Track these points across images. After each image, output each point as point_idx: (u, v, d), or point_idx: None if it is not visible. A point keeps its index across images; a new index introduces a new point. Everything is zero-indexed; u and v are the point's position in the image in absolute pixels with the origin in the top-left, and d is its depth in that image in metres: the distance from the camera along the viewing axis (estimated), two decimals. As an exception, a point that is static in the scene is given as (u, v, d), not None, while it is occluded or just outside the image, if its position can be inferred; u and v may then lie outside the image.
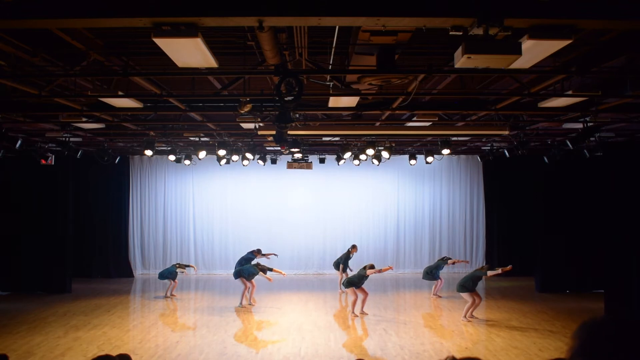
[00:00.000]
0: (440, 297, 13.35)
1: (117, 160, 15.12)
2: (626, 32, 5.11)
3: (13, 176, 13.94)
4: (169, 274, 13.33)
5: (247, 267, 12.42)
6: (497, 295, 13.84)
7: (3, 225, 13.83)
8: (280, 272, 12.65)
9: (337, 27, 4.96)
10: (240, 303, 12.26)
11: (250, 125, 9.64)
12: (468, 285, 10.91)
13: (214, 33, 5.13)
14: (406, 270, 17.15)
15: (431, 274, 13.37)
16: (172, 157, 13.38)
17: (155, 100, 8.02)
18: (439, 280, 13.42)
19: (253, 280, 12.36)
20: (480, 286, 15.46)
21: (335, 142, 13.46)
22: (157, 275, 13.87)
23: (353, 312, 11.36)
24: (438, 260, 13.90)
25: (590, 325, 1.49)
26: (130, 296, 14.24)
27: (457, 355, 2.19)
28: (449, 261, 13.86)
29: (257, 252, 13.85)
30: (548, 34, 3.91)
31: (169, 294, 13.42)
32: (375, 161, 14.18)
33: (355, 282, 11.34)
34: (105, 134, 12.00)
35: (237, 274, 12.35)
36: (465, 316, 10.94)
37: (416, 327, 10.47)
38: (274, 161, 15.80)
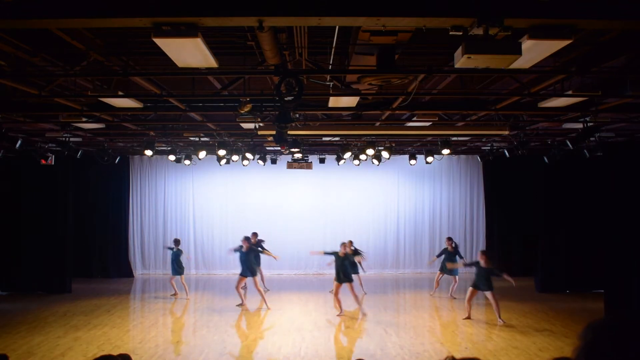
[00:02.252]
0: (454, 298, 13.30)
1: (117, 160, 15.11)
2: (626, 32, 5.11)
3: (13, 176, 13.94)
4: (177, 267, 13.14)
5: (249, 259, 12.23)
6: (497, 295, 13.81)
7: (3, 225, 13.83)
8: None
9: (337, 27, 4.95)
10: (265, 304, 12.12)
11: (250, 125, 9.65)
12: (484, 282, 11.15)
13: (214, 33, 5.13)
14: (406, 270, 17.15)
15: (446, 269, 13.37)
16: (172, 157, 13.38)
17: (155, 100, 8.02)
18: (454, 278, 13.46)
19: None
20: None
21: (335, 142, 13.46)
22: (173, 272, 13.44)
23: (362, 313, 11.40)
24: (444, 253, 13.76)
25: (596, 326, 1.49)
26: (130, 296, 14.24)
27: (457, 356, 2.19)
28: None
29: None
30: (548, 34, 3.91)
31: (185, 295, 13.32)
32: (375, 161, 14.18)
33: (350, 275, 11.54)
34: (105, 134, 12.00)
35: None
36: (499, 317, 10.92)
37: (416, 327, 10.47)
38: (274, 161, 15.80)
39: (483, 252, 11.56)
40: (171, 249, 13.51)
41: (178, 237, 14.39)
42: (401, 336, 9.91)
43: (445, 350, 8.89)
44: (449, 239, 14.11)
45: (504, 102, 7.91)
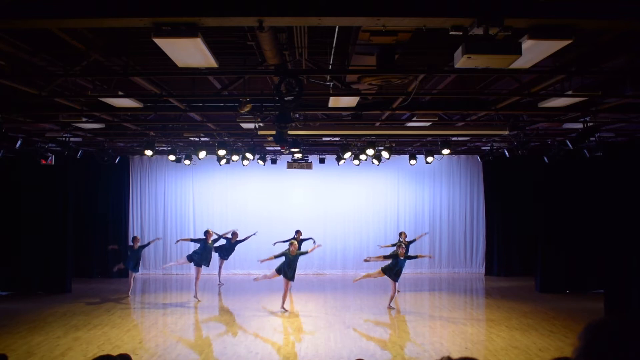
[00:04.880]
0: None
1: (117, 160, 15.11)
2: (626, 32, 5.11)
3: (13, 176, 13.93)
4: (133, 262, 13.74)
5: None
6: (497, 295, 13.84)
7: (3, 225, 13.83)
8: None
9: (337, 27, 4.96)
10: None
11: (250, 125, 9.65)
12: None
13: (214, 33, 5.13)
14: (406, 270, 17.07)
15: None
16: (172, 157, 13.38)
17: (155, 100, 8.02)
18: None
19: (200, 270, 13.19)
20: (480, 286, 15.53)
21: (335, 142, 13.46)
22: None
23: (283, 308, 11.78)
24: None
25: (595, 326, 1.49)
26: (130, 296, 14.22)
27: (457, 356, 2.19)
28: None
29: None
30: (548, 34, 3.91)
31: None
32: (375, 161, 14.18)
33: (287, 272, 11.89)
34: (105, 134, 12.00)
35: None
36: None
37: (416, 327, 10.47)
38: (274, 161, 15.80)
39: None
40: (147, 244, 14.50)
41: (137, 235, 14.80)
42: (401, 336, 9.92)
43: (445, 350, 8.89)
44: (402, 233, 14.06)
45: (504, 102, 7.91)
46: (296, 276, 16.54)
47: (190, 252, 13.48)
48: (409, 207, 17.28)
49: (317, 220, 17.00)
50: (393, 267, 12.05)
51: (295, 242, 12.27)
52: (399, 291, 13.11)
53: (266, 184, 17.00)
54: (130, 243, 14.09)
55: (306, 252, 12.33)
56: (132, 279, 13.81)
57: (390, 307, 11.98)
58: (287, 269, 11.77)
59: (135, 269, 13.82)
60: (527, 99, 7.98)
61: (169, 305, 12.77)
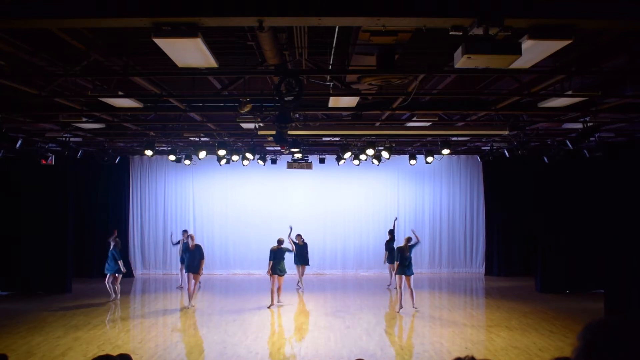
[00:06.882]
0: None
1: (117, 160, 15.12)
2: (626, 32, 5.11)
3: (13, 176, 13.93)
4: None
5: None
6: (497, 295, 13.84)
7: (3, 225, 13.83)
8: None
9: (337, 27, 4.95)
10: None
11: (250, 125, 9.65)
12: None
13: (214, 33, 5.12)
14: (406, 270, 17.13)
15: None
16: (172, 157, 13.38)
17: (155, 100, 8.02)
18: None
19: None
20: (480, 286, 15.53)
21: (335, 142, 13.46)
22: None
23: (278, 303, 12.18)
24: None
25: (594, 326, 1.49)
26: (130, 296, 14.23)
27: (460, 355, 2.20)
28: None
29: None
30: (548, 34, 3.91)
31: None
32: (375, 161, 14.18)
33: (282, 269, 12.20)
34: (105, 134, 12.00)
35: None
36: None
37: (416, 327, 10.47)
38: (274, 161, 15.80)
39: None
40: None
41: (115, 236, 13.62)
42: (401, 336, 9.92)
43: (445, 350, 8.89)
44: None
45: (504, 102, 7.91)
46: (296, 276, 16.58)
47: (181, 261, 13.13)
48: (409, 207, 17.29)
49: (317, 220, 17.00)
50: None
51: (281, 238, 12.48)
52: (395, 289, 13.05)
53: (266, 184, 17.00)
54: (112, 243, 13.04)
55: (284, 251, 12.40)
56: (117, 280, 13.06)
57: (415, 308, 11.70)
58: (275, 264, 12.08)
59: (114, 269, 12.88)
60: (527, 99, 7.98)
61: (169, 305, 12.76)
